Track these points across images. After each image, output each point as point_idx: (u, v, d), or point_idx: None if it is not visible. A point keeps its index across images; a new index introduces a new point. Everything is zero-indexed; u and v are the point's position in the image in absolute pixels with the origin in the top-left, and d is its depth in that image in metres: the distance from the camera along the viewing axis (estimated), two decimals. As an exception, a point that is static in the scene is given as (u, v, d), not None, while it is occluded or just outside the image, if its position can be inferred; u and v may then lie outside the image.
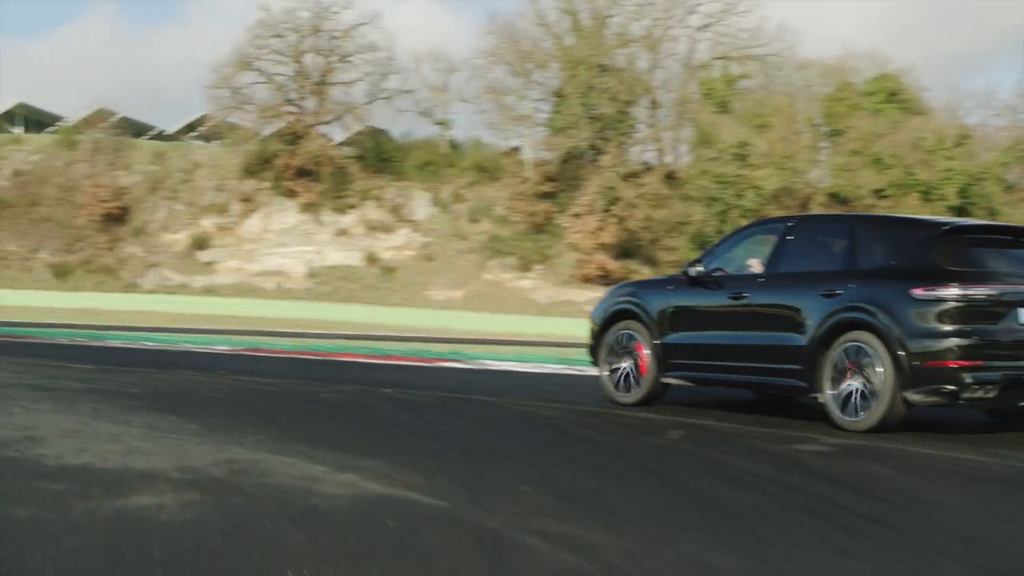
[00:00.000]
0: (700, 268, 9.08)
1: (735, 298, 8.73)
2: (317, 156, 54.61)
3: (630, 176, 51.67)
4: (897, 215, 9.72)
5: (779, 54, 53.59)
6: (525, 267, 52.75)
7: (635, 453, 7.09)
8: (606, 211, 50.37)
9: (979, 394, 7.49)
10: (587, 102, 51.82)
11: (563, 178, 52.92)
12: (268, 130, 56.38)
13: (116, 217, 55.67)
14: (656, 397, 9.33)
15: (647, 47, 54.33)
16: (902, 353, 7.46)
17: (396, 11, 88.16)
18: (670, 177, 52.82)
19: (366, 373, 13.48)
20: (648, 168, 53.42)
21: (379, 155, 56.48)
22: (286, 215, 55.59)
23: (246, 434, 7.19)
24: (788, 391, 8.72)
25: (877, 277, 7.98)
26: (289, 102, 55.81)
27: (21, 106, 64.30)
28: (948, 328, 7.44)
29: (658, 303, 9.27)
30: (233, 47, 56.06)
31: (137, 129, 61.88)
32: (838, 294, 7.96)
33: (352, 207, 55.42)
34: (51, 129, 62.42)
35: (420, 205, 55.65)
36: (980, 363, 7.44)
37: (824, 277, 8.26)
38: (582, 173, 52.22)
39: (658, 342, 9.13)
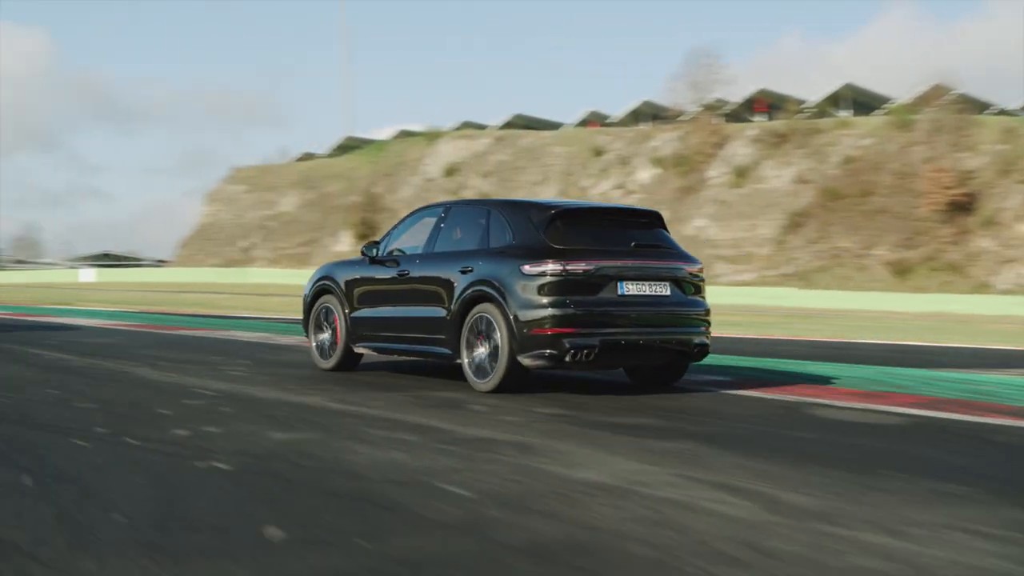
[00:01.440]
0: (377, 249, 10.28)
1: (401, 276, 9.86)
2: None
3: None
4: (523, 199, 9.87)
5: None
6: None
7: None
8: None
9: (579, 358, 8.32)
10: None
11: None
12: None
13: (962, 205, 51.99)
14: (351, 364, 10.64)
15: None
16: (515, 321, 8.51)
17: None
18: None
19: None
20: None
21: None
22: None
23: None
24: (440, 358, 9.42)
25: (500, 255, 8.89)
26: None
27: (848, 87, 63.24)
28: (549, 300, 8.41)
29: (345, 281, 10.53)
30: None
31: (978, 107, 57.55)
32: (470, 271, 9.02)
33: None
34: (881, 111, 60.52)
35: None
36: (576, 330, 8.33)
37: (463, 256, 9.25)
38: None
39: (347, 315, 10.45)
